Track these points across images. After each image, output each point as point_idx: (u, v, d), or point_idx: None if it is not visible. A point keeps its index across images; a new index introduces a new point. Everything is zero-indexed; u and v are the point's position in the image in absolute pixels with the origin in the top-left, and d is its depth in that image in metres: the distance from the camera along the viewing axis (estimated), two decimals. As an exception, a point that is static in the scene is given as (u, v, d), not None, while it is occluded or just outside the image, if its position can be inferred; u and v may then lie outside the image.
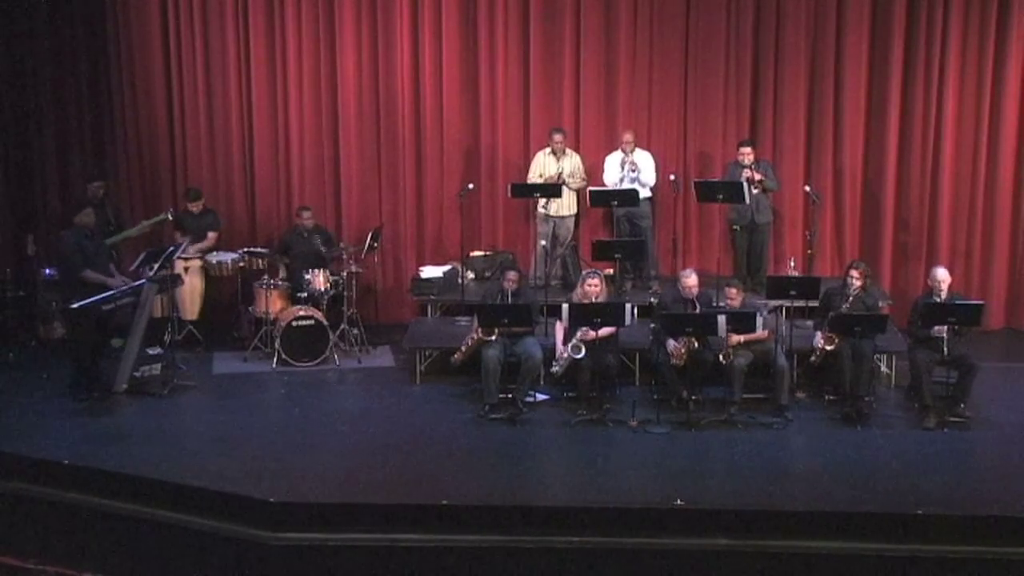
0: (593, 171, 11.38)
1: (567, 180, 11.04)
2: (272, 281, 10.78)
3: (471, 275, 11.49)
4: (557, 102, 11.68)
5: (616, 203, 10.79)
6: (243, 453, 8.70)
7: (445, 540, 7.66)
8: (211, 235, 11.35)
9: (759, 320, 9.34)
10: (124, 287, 9.79)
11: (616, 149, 11.23)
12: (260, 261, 11.19)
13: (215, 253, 11.25)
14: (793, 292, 9.57)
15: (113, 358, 9.87)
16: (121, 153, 12.10)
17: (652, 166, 11.17)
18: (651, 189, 11.20)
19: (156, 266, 9.97)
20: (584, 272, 10.04)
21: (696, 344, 9.22)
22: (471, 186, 11.46)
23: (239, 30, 11.77)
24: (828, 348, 9.25)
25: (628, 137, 11.13)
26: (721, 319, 9.09)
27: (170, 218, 11.14)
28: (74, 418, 9.39)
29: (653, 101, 11.67)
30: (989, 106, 11.33)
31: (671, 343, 9.27)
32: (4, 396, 9.86)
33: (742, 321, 9.23)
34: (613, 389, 9.63)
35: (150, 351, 10.00)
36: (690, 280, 9.48)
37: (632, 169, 11.01)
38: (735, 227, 11.06)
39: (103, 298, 9.57)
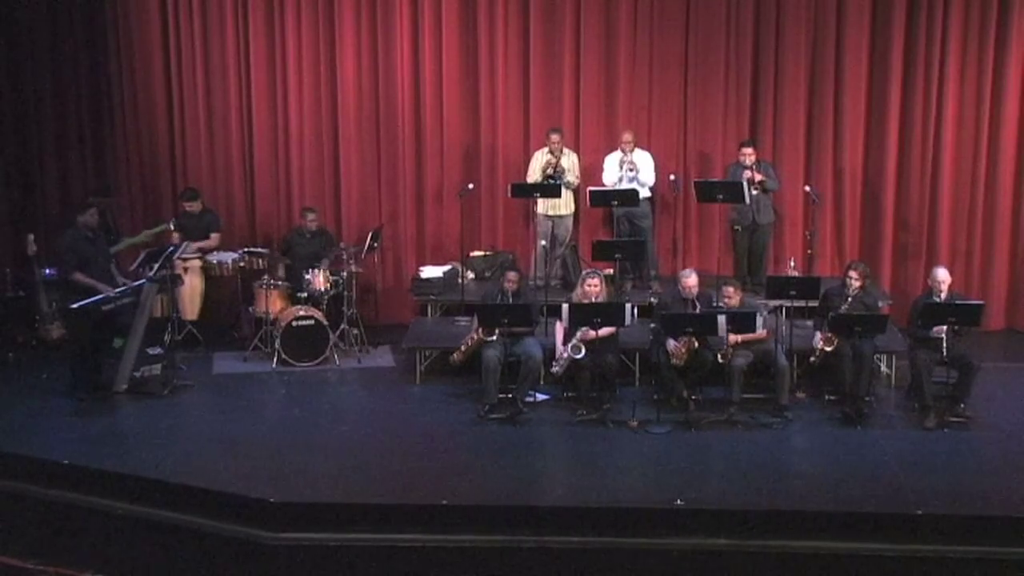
0: (592, 171, 11.38)
1: (565, 172, 11.01)
2: (272, 281, 10.78)
3: (471, 275, 11.49)
4: (557, 102, 11.68)
5: (616, 203, 10.78)
6: (243, 453, 8.70)
7: (445, 540, 7.66)
8: (214, 236, 11.36)
9: (759, 320, 9.34)
10: (121, 288, 9.77)
11: (615, 149, 11.23)
12: (260, 261, 11.19)
13: (215, 253, 11.25)
14: (793, 292, 9.56)
15: (113, 358, 9.87)
16: (121, 153, 12.10)
17: (651, 166, 11.17)
18: (651, 189, 11.19)
19: (156, 266, 9.97)
20: (584, 272, 10.04)
21: (696, 344, 9.23)
22: (471, 186, 11.46)
23: (239, 30, 11.77)
24: (827, 349, 9.26)
25: (628, 137, 11.13)
26: (721, 319, 9.09)
27: (172, 228, 11.10)
28: (74, 418, 9.39)
29: (653, 101, 11.67)
30: (989, 106, 11.33)
31: (671, 343, 9.27)
32: (4, 396, 9.87)
33: (742, 321, 9.23)
34: (613, 389, 9.62)
35: (150, 351, 9.99)
36: (690, 280, 9.47)
37: (631, 169, 11.01)
38: (736, 228, 11.06)
39: (103, 298, 9.57)
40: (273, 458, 8.57)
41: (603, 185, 11.09)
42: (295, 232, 11.32)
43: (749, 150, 10.90)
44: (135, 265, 10.19)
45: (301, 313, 10.57)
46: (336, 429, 9.23)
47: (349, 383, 10.38)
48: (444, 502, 7.80)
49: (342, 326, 10.85)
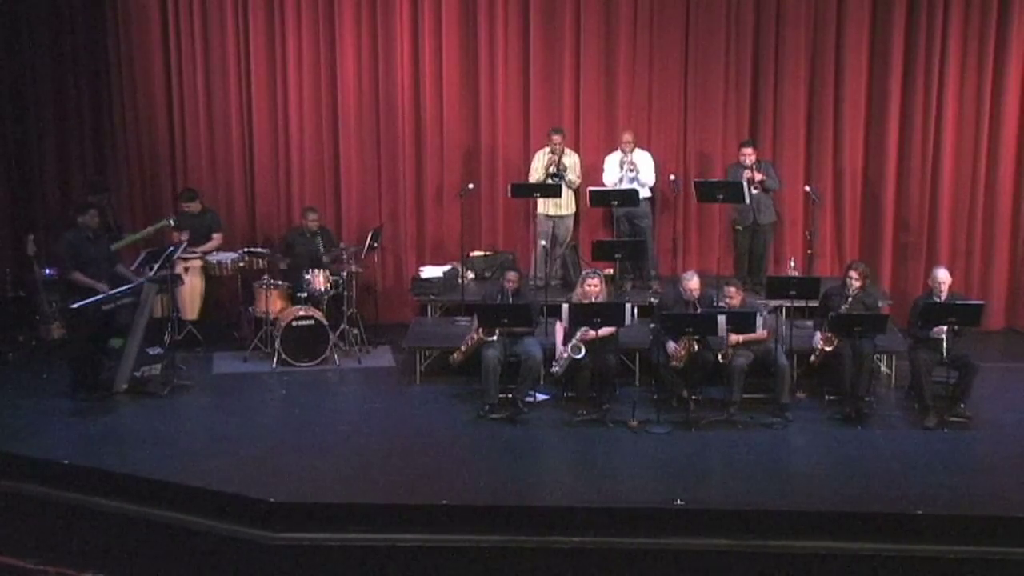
0: (593, 171, 11.38)
1: (567, 172, 11.01)
2: (272, 281, 10.78)
3: (471, 275, 11.49)
4: (557, 102, 11.68)
5: (616, 203, 10.78)
6: (243, 453, 8.70)
7: (445, 540, 7.66)
8: (216, 236, 11.36)
9: (759, 320, 9.34)
10: (121, 288, 9.77)
11: (616, 149, 11.23)
12: (260, 261, 11.19)
13: (215, 253, 11.25)
14: (793, 292, 9.57)
15: (113, 358, 9.87)
16: (121, 153, 12.10)
17: (651, 166, 11.17)
18: (651, 189, 11.20)
19: (156, 266, 9.97)
20: (584, 272, 10.04)
21: (696, 347, 9.21)
22: (471, 186, 11.46)
23: (239, 30, 11.77)
24: (827, 349, 9.26)
25: (628, 137, 11.13)
26: (721, 319, 9.09)
27: (172, 224, 11.14)
28: (74, 418, 9.39)
29: (653, 101, 11.67)
30: (989, 106, 11.33)
31: (671, 345, 9.26)
32: (4, 396, 9.86)
33: (742, 321, 9.23)
34: (613, 389, 9.62)
35: (150, 351, 9.99)
36: (692, 283, 9.45)
37: (631, 169, 11.01)
38: (737, 227, 11.06)
39: (103, 298, 9.57)
40: (273, 458, 8.57)
41: (603, 185, 11.09)
42: (296, 231, 11.32)
43: (749, 150, 10.90)
44: (135, 265, 10.19)
45: (301, 313, 10.56)
46: (336, 429, 9.22)
47: (349, 383, 10.38)
48: (444, 502, 7.80)
49: (342, 326, 10.84)
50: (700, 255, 11.68)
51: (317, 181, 11.99)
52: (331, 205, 11.98)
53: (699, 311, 9.34)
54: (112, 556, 8.16)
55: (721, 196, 10.56)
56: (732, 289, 9.50)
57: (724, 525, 7.65)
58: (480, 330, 9.51)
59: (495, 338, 9.45)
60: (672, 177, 11.32)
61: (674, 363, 9.27)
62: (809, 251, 10.89)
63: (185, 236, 10.91)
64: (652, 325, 9.77)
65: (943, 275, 9.29)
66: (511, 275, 9.88)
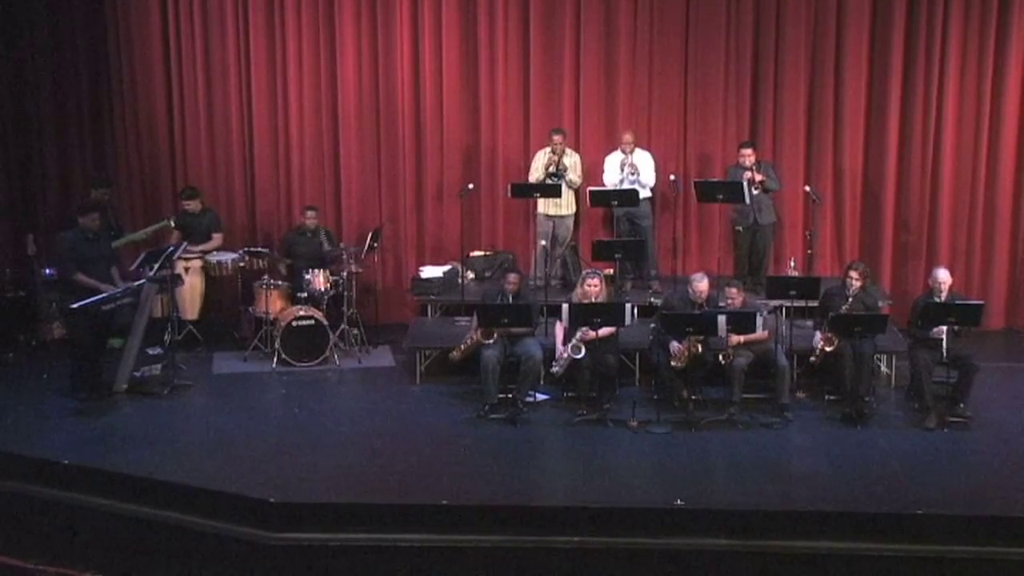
0: (593, 171, 11.38)
1: (567, 172, 11.01)
2: (272, 281, 10.78)
3: (471, 275, 11.50)
4: (557, 102, 11.68)
5: (616, 203, 10.78)
6: (243, 453, 8.70)
7: (445, 540, 7.66)
8: (216, 236, 11.35)
9: (759, 320, 9.34)
10: (121, 288, 9.77)
11: (616, 149, 11.23)
12: (260, 261, 11.18)
13: (215, 253, 11.25)
14: (793, 292, 9.56)
15: (113, 358, 9.86)
16: (121, 153, 12.10)
17: (652, 166, 11.17)
18: (651, 189, 11.20)
19: (156, 266, 9.96)
20: (584, 272, 10.04)
21: (700, 348, 9.20)
22: (471, 186, 11.46)
23: (239, 30, 11.77)
24: (827, 349, 9.26)
25: (628, 137, 11.13)
26: (721, 319, 9.08)
27: (172, 224, 11.15)
28: (74, 418, 9.39)
29: (653, 101, 11.67)
30: (989, 106, 11.33)
31: (674, 345, 9.25)
32: (4, 396, 9.86)
33: (742, 321, 9.22)
34: (613, 389, 9.62)
35: (150, 351, 10.00)
36: (701, 284, 9.41)
37: (632, 172, 11.01)
38: (738, 228, 11.06)
39: (103, 298, 9.57)
40: (273, 458, 8.57)
41: (603, 185, 11.09)
42: (295, 231, 11.33)
43: (748, 151, 10.90)
44: (135, 265, 10.17)
45: (301, 313, 10.56)
46: (336, 429, 9.23)
47: (349, 383, 10.38)
48: (444, 502, 7.80)
49: (342, 326, 10.84)
50: (700, 255, 11.67)
51: (317, 181, 11.99)
52: (331, 205, 11.98)
53: (700, 311, 9.33)
54: (112, 556, 8.16)
55: (721, 196, 10.57)
56: (733, 291, 9.49)
57: (724, 525, 7.65)
58: (479, 331, 9.51)
59: (493, 340, 9.44)
60: (672, 177, 11.32)
61: (675, 363, 9.27)
62: (809, 251, 10.89)
63: (185, 241, 10.92)
64: (652, 325, 9.77)
65: (943, 275, 9.29)
66: (512, 277, 9.87)
